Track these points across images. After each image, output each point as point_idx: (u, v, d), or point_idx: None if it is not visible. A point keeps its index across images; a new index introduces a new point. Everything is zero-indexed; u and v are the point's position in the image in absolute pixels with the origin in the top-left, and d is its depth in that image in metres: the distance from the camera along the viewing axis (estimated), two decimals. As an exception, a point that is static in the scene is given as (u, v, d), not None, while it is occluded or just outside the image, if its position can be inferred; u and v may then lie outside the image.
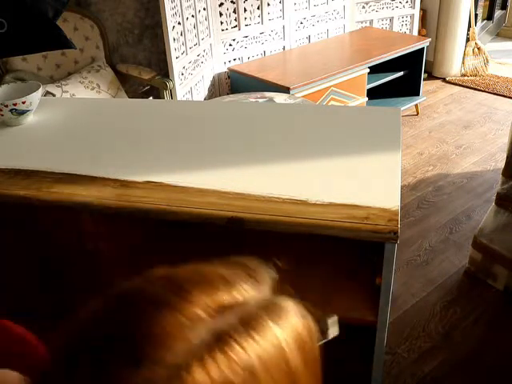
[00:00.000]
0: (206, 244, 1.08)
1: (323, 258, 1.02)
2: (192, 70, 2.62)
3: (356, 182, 0.86)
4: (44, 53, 2.29)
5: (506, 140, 1.93)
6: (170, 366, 0.33)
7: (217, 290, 0.41)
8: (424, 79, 3.21)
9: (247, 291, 0.42)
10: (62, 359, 0.37)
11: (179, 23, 2.43)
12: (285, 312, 0.41)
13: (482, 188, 2.43)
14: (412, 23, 3.59)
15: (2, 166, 0.99)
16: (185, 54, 2.53)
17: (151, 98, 2.75)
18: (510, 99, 3.42)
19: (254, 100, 2.35)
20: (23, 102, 1.12)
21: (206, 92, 2.86)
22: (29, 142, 1.10)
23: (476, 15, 3.88)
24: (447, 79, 3.74)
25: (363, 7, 3.47)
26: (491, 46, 4.25)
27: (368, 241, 0.75)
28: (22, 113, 1.14)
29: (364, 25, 3.52)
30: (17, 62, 2.26)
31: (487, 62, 3.81)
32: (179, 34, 2.45)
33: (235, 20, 2.89)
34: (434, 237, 2.07)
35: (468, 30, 3.72)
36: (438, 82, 3.71)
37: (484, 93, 3.53)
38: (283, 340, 0.38)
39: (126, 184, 0.90)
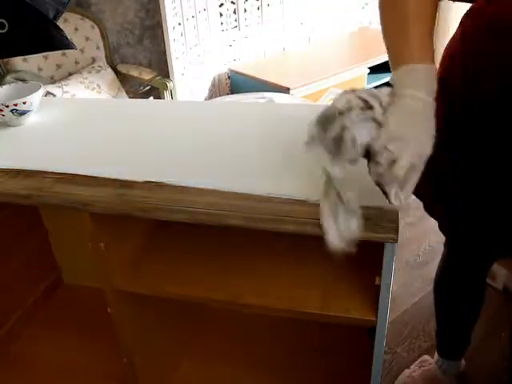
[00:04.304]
0: (205, 244, 1.09)
1: (323, 257, 1.02)
2: (192, 71, 2.63)
3: (356, 181, 0.86)
4: (45, 53, 2.29)
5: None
6: None
7: None
8: (424, 79, 3.20)
9: None
10: None
11: (179, 24, 2.44)
12: None
13: (482, 188, 2.43)
14: (412, 23, 3.59)
15: (2, 166, 0.99)
16: (185, 54, 2.53)
17: (151, 98, 2.76)
18: (509, 99, 3.42)
19: (253, 100, 2.36)
20: (24, 103, 1.12)
21: (206, 92, 2.86)
22: (30, 142, 1.10)
23: (476, 15, 3.88)
24: (447, 79, 3.74)
25: (363, 7, 3.47)
26: (491, 47, 4.25)
27: (368, 241, 0.75)
28: (23, 113, 1.14)
29: (364, 25, 3.52)
30: (17, 62, 2.26)
31: (487, 62, 3.81)
32: (179, 34, 2.45)
33: (235, 20, 2.90)
34: (434, 237, 2.07)
35: (468, 31, 3.72)
36: (438, 83, 3.71)
37: (484, 93, 3.53)
38: None
39: (126, 184, 0.90)
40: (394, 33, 0.73)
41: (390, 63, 0.73)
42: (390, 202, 0.67)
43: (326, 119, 0.67)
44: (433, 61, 0.70)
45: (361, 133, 0.66)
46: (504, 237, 1.01)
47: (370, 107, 0.66)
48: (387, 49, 0.74)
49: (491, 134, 0.90)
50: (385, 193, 0.68)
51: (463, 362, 1.44)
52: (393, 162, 0.64)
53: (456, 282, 1.27)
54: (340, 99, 0.67)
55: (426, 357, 1.51)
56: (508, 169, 0.91)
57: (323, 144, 0.68)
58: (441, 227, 1.13)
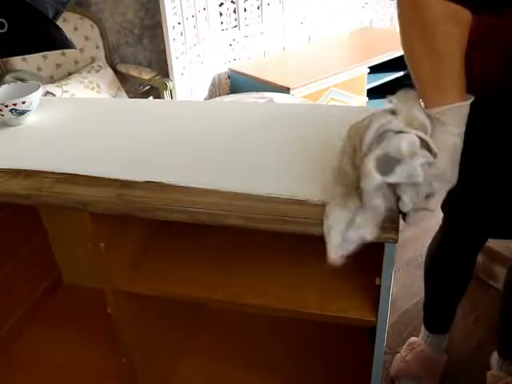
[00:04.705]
0: (205, 244, 1.09)
1: (323, 257, 1.02)
2: (192, 70, 2.62)
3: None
4: (44, 53, 2.29)
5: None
6: None
7: None
8: (424, 79, 3.21)
9: None
10: None
11: (179, 23, 2.44)
12: None
13: (482, 188, 2.42)
14: (412, 23, 3.59)
15: (2, 166, 0.99)
16: (185, 54, 2.53)
17: (151, 97, 2.76)
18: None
19: (253, 100, 2.36)
20: (23, 102, 1.12)
21: (206, 92, 2.86)
22: (29, 141, 1.10)
23: (476, 15, 3.88)
24: (447, 79, 3.74)
25: (363, 7, 3.47)
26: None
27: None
28: (22, 113, 1.14)
29: (364, 25, 3.52)
30: (17, 62, 2.26)
31: (487, 61, 3.81)
32: (179, 33, 2.45)
33: (235, 20, 2.90)
34: (434, 237, 2.07)
35: (468, 30, 3.72)
36: (438, 82, 3.71)
37: (484, 93, 3.53)
38: None
39: (126, 184, 0.90)
40: (429, 71, 0.77)
41: (423, 95, 0.78)
42: (405, 221, 0.74)
43: (390, 160, 0.68)
44: (466, 92, 0.77)
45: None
46: (499, 217, 1.06)
47: (427, 146, 0.70)
48: (419, 80, 0.78)
49: (491, 125, 0.92)
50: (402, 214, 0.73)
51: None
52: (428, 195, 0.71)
53: (448, 256, 1.33)
54: (404, 140, 0.68)
55: (413, 339, 1.55)
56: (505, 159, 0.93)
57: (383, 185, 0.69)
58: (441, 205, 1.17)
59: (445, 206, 1.17)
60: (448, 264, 1.34)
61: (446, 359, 1.49)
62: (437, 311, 1.47)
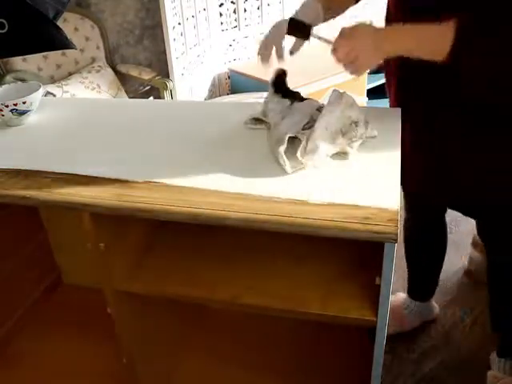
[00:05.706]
0: (205, 244, 1.09)
1: (323, 257, 1.02)
2: (192, 71, 2.62)
3: (356, 181, 0.86)
4: (44, 53, 2.29)
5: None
6: None
7: None
8: (424, 79, 3.21)
9: None
10: None
11: (179, 23, 2.43)
12: None
13: (482, 188, 2.42)
14: (412, 23, 3.59)
15: (2, 166, 0.99)
16: (185, 54, 2.53)
17: (151, 98, 2.75)
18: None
19: (253, 100, 2.36)
20: (24, 102, 1.12)
21: (206, 92, 2.86)
22: (29, 142, 1.10)
23: (476, 15, 3.88)
24: (447, 79, 3.74)
25: (363, 7, 3.47)
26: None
27: (368, 241, 0.75)
28: (23, 113, 1.14)
29: (364, 25, 3.52)
30: (17, 62, 2.26)
31: (487, 62, 3.80)
32: (179, 34, 2.45)
33: (235, 20, 2.90)
34: (434, 237, 2.06)
35: (468, 30, 3.72)
36: (438, 82, 3.71)
37: (484, 93, 3.52)
38: None
39: (126, 184, 0.90)
40: None
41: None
42: None
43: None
44: None
45: None
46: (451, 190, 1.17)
47: None
48: None
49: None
50: None
51: (435, 305, 1.67)
52: None
53: (418, 235, 1.53)
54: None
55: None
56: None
57: None
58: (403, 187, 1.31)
59: (404, 188, 1.31)
60: (418, 232, 1.50)
61: (417, 324, 1.63)
62: (419, 283, 1.62)
